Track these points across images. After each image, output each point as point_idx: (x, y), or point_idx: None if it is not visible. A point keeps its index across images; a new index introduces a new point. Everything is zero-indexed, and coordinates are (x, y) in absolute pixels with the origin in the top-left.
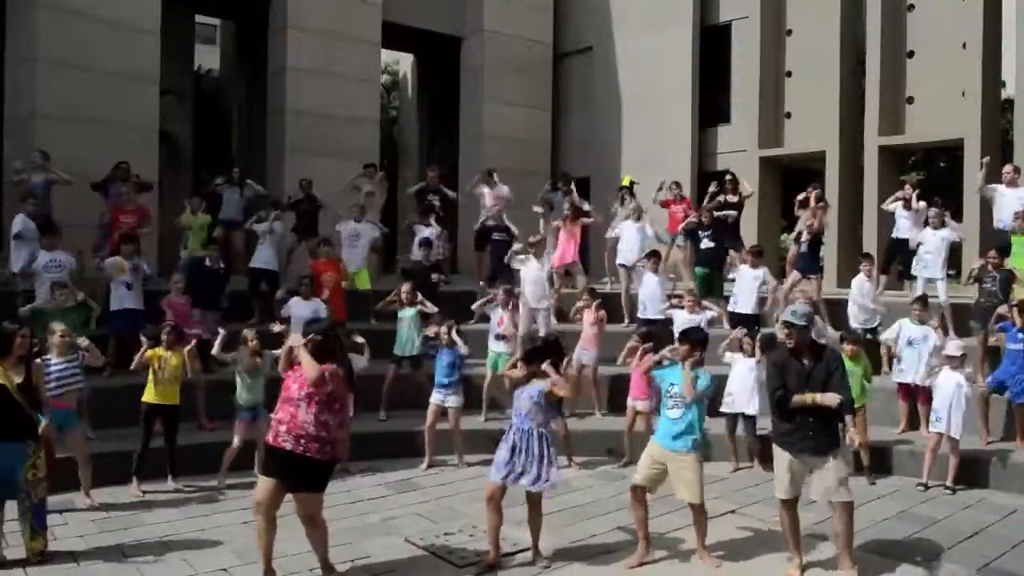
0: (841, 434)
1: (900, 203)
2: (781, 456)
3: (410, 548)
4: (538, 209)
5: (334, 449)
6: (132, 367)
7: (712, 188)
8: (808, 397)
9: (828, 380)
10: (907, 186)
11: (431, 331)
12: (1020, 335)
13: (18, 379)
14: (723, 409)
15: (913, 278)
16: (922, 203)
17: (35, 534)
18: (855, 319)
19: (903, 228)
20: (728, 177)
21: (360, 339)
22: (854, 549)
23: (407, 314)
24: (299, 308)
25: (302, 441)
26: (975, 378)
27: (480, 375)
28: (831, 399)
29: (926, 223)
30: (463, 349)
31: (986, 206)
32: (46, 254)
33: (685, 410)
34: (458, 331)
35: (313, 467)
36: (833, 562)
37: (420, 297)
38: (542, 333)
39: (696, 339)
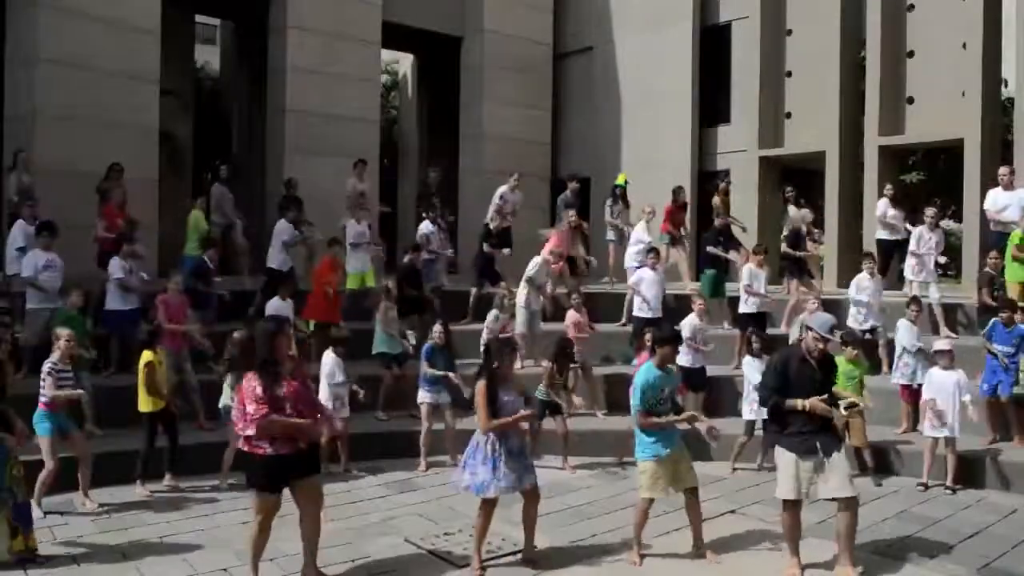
0: (843, 435)
1: (887, 202)
2: (785, 456)
3: (410, 548)
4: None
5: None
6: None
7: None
8: (805, 404)
9: (827, 383)
10: (888, 186)
11: (436, 331)
12: (1008, 337)
13: None
14: (746, 416)
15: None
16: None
17: (15, 533)
18: (854, 319)
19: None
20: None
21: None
22: (855, 549)
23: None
24: (272, 307)
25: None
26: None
27: (473, 375)
28: (824, 410)
29: (913, 223)
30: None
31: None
32: (43, 254)
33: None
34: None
35: (312, 452)
36: (832, 562)
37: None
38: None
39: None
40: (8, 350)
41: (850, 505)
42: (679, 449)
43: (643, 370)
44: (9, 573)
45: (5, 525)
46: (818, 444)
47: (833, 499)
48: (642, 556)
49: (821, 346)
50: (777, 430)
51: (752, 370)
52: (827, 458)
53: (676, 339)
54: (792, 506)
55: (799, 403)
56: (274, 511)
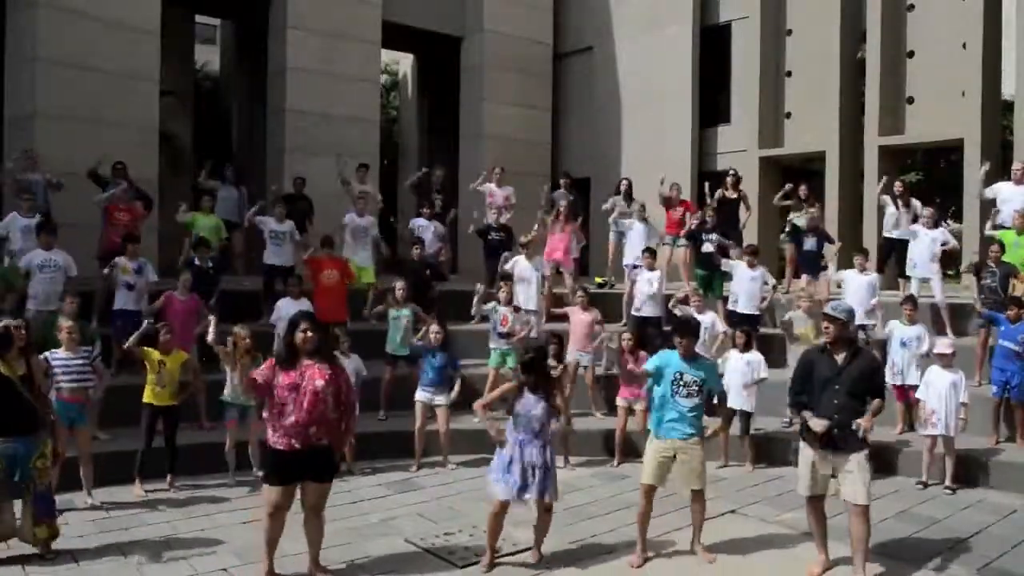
0: (862, 433)
1: (889, 198)
2: (804, 453)
3: (410, 548)
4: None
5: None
6: (126, 346)
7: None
8: (812, 424)
9: (860, 379)
10: (896, 183)
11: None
12: (1015, 333)
13: (20, 372)
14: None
15: (908, 278)
16: (916, 202)
17: (39, 523)
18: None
19: (890, 225)
20: (731, 171)
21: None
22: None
23: (402, 313)
24: (288, 308)
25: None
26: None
27: (477, 375)
28: (819, 425)
29: (915, 220)
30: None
31: (987, 206)
32: (42, 253)
33: (698, 399)
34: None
35: (332, 454)
36: (845, 561)
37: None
38: (533, 334)
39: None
40: (20, 346)
41: (860, 512)
42: (685, 444)
43: (664, 353)
44: (9, 572)
45: (29, 515)
46: (834, 441)
47: (845, 501)
48: (645, 559)
49: (826, 325)
50: (801, 427)
51: (740, 363)
52: (843, 456)
53: (686, 332)
54: (810, 502)
55: (808, 418)
56: (280, 503)
